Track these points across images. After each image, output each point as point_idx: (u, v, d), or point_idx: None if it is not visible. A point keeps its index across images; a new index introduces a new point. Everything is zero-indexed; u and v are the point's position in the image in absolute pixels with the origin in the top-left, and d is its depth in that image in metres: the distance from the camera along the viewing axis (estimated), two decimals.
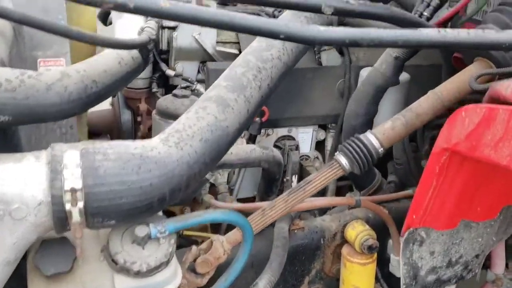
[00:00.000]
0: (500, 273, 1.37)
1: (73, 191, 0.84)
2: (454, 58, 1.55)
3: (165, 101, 1.51)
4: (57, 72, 0.94)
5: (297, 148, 1.71)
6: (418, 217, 1.02)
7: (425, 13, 1.40)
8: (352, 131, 1.56)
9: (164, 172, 0.93)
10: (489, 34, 0.92)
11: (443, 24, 1.34)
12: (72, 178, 0.85)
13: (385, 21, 1.25)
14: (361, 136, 1.25)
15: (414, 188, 1.65)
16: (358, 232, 1.40)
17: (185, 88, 1.63)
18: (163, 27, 1.58)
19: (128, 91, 1.70)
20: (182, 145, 0.98)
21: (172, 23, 1.59)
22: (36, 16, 0.85)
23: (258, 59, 1.21)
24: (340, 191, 1.83)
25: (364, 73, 1.68)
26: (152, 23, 1.25)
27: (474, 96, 1.29)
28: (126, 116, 1.71)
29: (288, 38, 0.98)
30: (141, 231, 0.97)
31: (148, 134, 1.73)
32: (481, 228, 1.13)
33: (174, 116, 1.49)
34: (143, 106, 1.70)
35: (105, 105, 1.68)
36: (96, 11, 1.82)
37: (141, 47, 1.12)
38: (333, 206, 1.63)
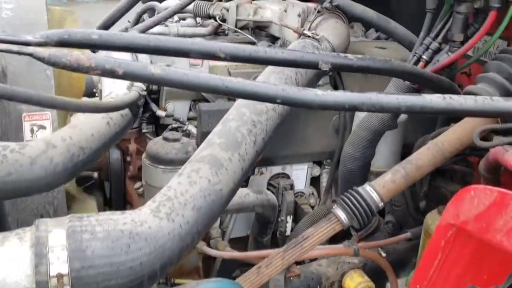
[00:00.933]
0: None
1: (59, 276, 0.79)
2: None
3: (156, 145, 1.46)
4: (42, 143, 0.89)
5: (291, 187, 1.67)
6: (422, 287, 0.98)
7: (424, 57, 1.36)
8: (349, 175, 1.53)
9: (155, 248, 0.88)
10: (497, 102, 0.88)
11: (443, 69, 1.30)
12: (58, 262, 0.79)
13: (385, 74, 1.22)
14: (360, 190, 1.21)
15: (412, 230, 1.63)
16: (357, 283, 1.36)
17: (176, 129, 1.58)
18: None
19: None
20: (173, 216, 0.93)
21: (164, 63, 1.53)
22: (21, 89, 0.80)
23: (253, 112, 1.17)
24: None
25: (360, 112, 1.64)
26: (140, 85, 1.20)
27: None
28: (115, 155, 1.66)
29: (285, 102, 0.94)
30: None
31: (138, 174, 1.67)
32: None
33: (164, 161, 1.44)
34: (132, 147, 1.65)
35: None
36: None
37: (131, 105, 1.07)
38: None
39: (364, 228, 1.31)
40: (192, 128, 1.57)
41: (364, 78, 1.80)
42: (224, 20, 1.84)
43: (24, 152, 0.86)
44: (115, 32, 0.93)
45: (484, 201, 0.76)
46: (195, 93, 1.64)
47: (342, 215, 1.19)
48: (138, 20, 1.93)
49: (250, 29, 1.86)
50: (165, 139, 1.47)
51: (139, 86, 1.16)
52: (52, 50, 0.88)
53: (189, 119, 1.65)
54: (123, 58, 0.91)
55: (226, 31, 1.93)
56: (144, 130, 1.60)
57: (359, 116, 1.67)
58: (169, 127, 1.59)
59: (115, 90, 1.17)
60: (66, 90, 1.36)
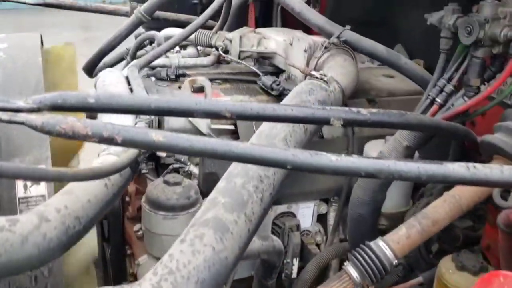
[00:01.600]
0: None
1: None
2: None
3: (156, 190, 1.39)
4: (34, 217, 0.82)
5: (298, 228, 1.60)
6: None
7: (438, 100, 1.30)
8: (358, 220, 1.46)
9: None
10: None
11: (458, 115, 1.24)
12: None
13: (402, 128, 1.16)
14: (373, 245, 1.14)
15: (424, 274, 1.56)
16: None
17: (177, 170, 1.51)
18: None
19: None
20: None
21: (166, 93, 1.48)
22: (10, 164, 0.74)
23: (259, 166, 1.10)
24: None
25: (369, 149, 1.58)
26: (143, 122, 1.14)
27: None
28: None
29: (296, 168, 0.87)
30: None
31: (137, 215, 1.60)
32: None
33: (165, 208, 1.38)
34: (131, 188, 1.58)
35: None
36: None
37: (132, 165, 1.00)
38: None
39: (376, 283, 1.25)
40: (194, 169, 1.50)
41: (370, 106, 1.74)
42: (226, 51, 1.77)
43: (15, 229, 0.79)
44: (113, 94, 0.87)
45: None
46: (196, 133, 1.58)
47: (354, 273, 1.12)
48: (137, 50, 1.87)
49: (253, 59, 1.79)
50: (166, 182, 1.40)
51: None
52: (45, 117, 0.82)
53: (189, 159, 1.58)
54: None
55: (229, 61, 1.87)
56: (143, 171, 1.53)
57: (367, 151, 1.61)
58: (170, 167, 1.52)
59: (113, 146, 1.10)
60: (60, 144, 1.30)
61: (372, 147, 1.56)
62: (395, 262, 1.13)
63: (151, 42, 1.91)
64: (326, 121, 0.97)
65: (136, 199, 1.61)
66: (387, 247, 1.13)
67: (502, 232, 1.20)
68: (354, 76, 1.46)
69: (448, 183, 0.85)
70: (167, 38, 1.87)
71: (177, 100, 0.90)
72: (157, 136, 0.84)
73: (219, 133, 1.56)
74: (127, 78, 1.51)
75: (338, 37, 1.49)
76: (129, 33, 1.94)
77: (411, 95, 1.81)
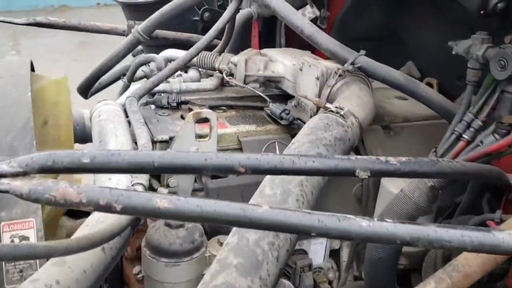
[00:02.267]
0: None
1: None
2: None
3: (157, 234, 1.27)
4: None
5: (310, 268, 1.49)
6: None
7: (465, 136, 1.19)
8: (377, 264, 1.35)
9: None
10: None
11: (489, 154, 1.13)
12: None
13: (434, 177, 1.05)
14: None
15: None
16: None
17: None
18: (154, 142, 1.36)
19: None
20: None
21: (165, 136, 1.36)
22: None
23: None
24: None
25: (388, 184, 1.47)
26: (144, 177, 1.03)
27: None
28: None
29: (322, 235, 0.77)
30: None
31: (137, 255, 1.49)
32: None
33: (168, 254, 1.26)
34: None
35: None
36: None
37: (132, 224, 0.89)
38: None
39: None
40: None
41: (386, 135, 1.64)
42: (231, 75, 1.66)
43: None
44: (109, 151, 0.75)
45: None
46: None
47: None
48: (134, 73, 1.76)
49: (259, 82, 1.68)
50: (168, 225, 1.28)
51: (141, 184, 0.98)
52: (33, 182, 0.71)
53: (194, 190, 1.47)
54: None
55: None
56: None
57: (385, 185, 1.50)
58: None
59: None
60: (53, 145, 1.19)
61: (391, 181, 1.46)
62: None
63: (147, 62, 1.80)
64: (351, 173, 0.87)
65: (135, 238, 1.49)
66: None
67: None
68: (371, 107, 1.35)
69: (497, 253, 0.74)
70: (167, 60, 1.76)
71: (184, 155, 0.79)
72: (162, 202, 0.73)
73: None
74: (124, 110, 1.39)
75: (352, 63, 1.38)
76: (126, 53, 1.83)
77: (427, 120, 1.71)
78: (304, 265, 1.49)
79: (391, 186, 1.43)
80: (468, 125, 1.19)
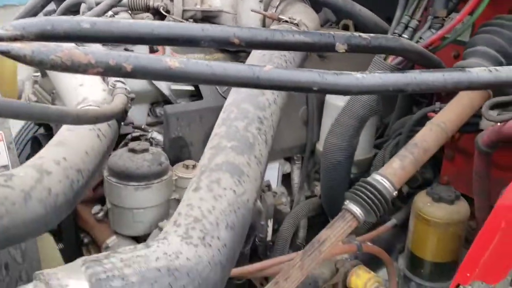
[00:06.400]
0: None
1: None
2: None
3: (121, 160, 1.23)
4: (32, 170, 0.67)
5: (269, 188, 1.54)
6: (472, 275, 0.91)
7: (405, 35, 1.31)
8: (335, 167, 1.44)
9: (199, 283, 0.71)
10: None
11: (427, 47, 1.26)
12: None
13: (396, 54, 1.14)
14: (371, 180, 1.12)
15: (396, 215, 1.59)
16: (365, 280, 1.27)
17: (137, 138, 1.36)
18: None
19: None
20: (209, 241, 0.76)
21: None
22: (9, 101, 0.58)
23: (256, 107, 1.02)
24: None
25: (331, 100, 1.56)
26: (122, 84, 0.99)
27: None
28: None
29: (322, 90, 0.81)
30: None
31: (93, 196, 1.42)
32: None
33: (137, 177, 1.23)
34: None
35: None
36: None
37: (122, 114, 0.86)
38: None
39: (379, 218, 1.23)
40: (157, 135, 1.37)
41: (321, 61, 1.73)
42: (168, 11, 1.64)
43: (13, 185, 0.63)
44: (111, 20, 0.73)
45: None
46: (154, 96, 1.44)
47: (357, 210, 1.09)
48: None
49: (197, 20, 1.68)
50: (132, 150, 1.25)
51: (122, 88, 0.94)
52: (35, 44, 0.67)
53: (147, 124, 1.44)
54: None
55: None
56: None
57: (329, 102, 1.59)
58: (128, 136, 1.37)
59: (90, 96, 0.94)
60: None
61: (334, 99, 1.56)
62: (395, 193, 1.12)
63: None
64: (332, 47, 0.92)
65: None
66: (386, 180, 1.12)
67: (479, 153, 1.24)
68: (318, 22, 1.42)
69: (472, 89, 0.84)
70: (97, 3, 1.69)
71: (182, 25, 0.79)
72: (172, 62, 0.72)
73: (179, 94, 1.44)
74: None
75: None
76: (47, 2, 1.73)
77: None
78: (263, 186, 1.54)
79: (336, 100, 1.52)
80: (406, 26, 1.31)
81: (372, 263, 1.48)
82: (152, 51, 1.43)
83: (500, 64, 1.17)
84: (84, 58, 0.68)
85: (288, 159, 1.68)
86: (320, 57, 1.73)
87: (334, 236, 1.09)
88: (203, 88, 1.40)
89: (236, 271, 1.25)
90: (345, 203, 1.12)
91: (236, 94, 1.06)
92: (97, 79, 1.01)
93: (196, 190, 0.84)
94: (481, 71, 0.83)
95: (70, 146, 0.74)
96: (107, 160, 0.88)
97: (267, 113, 1.03)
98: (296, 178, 1.69)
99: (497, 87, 1.03)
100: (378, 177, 1.12)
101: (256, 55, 1.18)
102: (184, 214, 0.79)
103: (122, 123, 0.98)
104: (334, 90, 0.81)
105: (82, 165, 0.74)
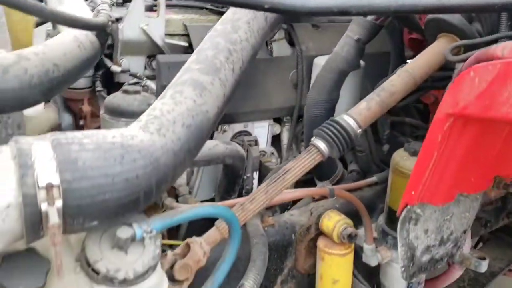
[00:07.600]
0: (467, 253, 1.36)
1: (49, 187, 0.70)
2: (409, 40, 1.57)
3: (115, 99, 1.36)
4: (13, 55, 0.79)
5: (256, 143, 1.64)
6: (417, 193, 0.98)
7: None
8: (315, 120, 1.52)
9: (150, 161, 0.81)
10: None
11: None
12: (47, 173, 0.70)
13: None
14: (338, 119, 1.20)
15: (378, 174, 1.65)
16: (335, 222, 1.34)
17: (134, 84, 1.49)
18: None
19: (68, 92, 1.52)
20: (164, 132, 0.86)
21: (117, 14, 1.45)
22: None
23: (227, 41, 1.12)
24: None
25: (319, 61, 1.65)
26: (106, 4, 1.12)
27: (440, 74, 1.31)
28: (67, 120, 1.53)
29: (273, 9, 0.91)
30: (124, 233, 0.83)
31: None
32: (468, 202, 1.12)
33: (128, 114, 1.35)
34: (86, 108, 1.53)
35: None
36: None
37: (102, 29, 0.98)
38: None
39: (342, 154, 1.30)
40: (150, 84, 1.49)
41: (315, 31, 1.83)
42: None
43: None
44: None
45: (486, 77, 0.77)
46: (150, 49, 1.57)
47: (321, 145, 1.17)
48: None
49: None
50: (125, 92, 1.38)
51: (106, 13, 1.07)
52: None
53: (146, 77, 1.57)
54: None
55: None
56: (98, 88, 1.49)
57: (317, 65, 1.68)
58: (126, 83, 1.50)
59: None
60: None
61: (322, 60, 1.64)
62: (359, 131, 1.20)
63: None
64: None
65: (92, 122, 1.57)
66: (351, 118, 1.20)
67: None
68: None
69: (418, 13, 0.92)
70: None
71: None
72: None
73: (173, 49, 1.56)
74: None
75: None
76: None
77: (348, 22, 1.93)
78: (250, 140, 1.64)
79: (323, 61, 1.61)
80: None
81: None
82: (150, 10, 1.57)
83: None
84: None
85: (278, 121, 1.78)
86: (314, 27, 1.83)
87: (298, 167, 1.18)
88: (196, 44, 1.52)
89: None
90: (312, 139, 1.20)
91: (212, 32, 1.17)
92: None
93: (161, 98, 0.95)
94: None
95: (51, 47, 0.87)
96: (86, 71, 0.99)
97: (237, 47, 1.13)
98: (285, 139, 1.78)
99: (440, 12, 1.09)
100: (344, 117, 1.21)
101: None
102: (146, 114, 0.90)
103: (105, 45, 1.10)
104: (280, 9, 0.91)
105: (59, 61, 0.86)
